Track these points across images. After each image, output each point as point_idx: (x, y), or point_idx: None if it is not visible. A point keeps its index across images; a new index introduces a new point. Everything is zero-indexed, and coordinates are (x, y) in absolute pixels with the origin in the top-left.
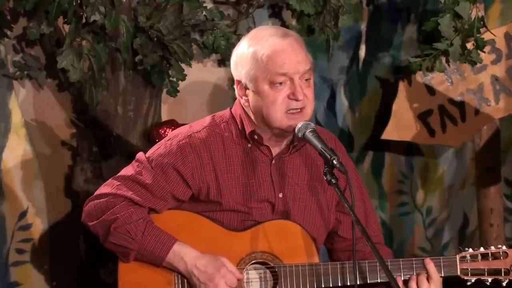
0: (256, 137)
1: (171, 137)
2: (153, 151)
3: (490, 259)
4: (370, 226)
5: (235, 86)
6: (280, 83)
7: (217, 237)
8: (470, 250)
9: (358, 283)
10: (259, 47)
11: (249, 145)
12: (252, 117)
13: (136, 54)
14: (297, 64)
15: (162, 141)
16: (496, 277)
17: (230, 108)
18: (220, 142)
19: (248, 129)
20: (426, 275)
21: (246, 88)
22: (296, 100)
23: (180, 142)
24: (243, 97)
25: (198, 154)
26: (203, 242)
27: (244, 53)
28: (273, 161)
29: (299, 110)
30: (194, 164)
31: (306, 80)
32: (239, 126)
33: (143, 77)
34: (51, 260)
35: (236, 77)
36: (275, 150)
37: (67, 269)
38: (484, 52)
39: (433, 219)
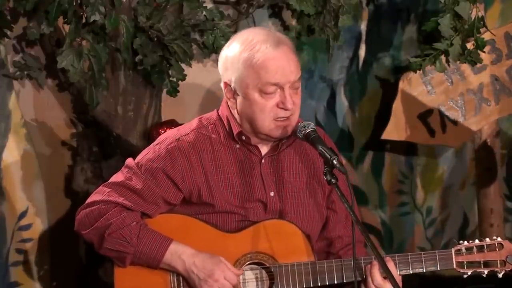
0: (244, 137)
1: (159, 142)
2: (142, 156)
3: (486, 251)
4: (348, 226)
5: (222, 86)
6: (271, 92)
7: (212, 239)
8: (465, 242)
9: (355, 280)
10: (252, 54)
11: (238, 145)
12: (238, 119)
13: (136, 54)
14: (289, 73)
15: (151, 145)
16: (492, 269)
17: (217, 110)
18: (209, 144)
19: (235, 130)
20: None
21: (234, 92)
22: (285, 109)
23: (169, 146)
24: (231, 99)
25: (187, 157)
26: (197, 244)
27: (235, 57)
28: (263, 160)
29: (286, 118)
30: (183, 167)
31: (295, 88)
32: (227, 128)
33: (143, 77)
34: (51, 260)
35: (224, 79)
36: (264, 149)
37: (67, 269)
38: (484, 52)
39: (433, 219)
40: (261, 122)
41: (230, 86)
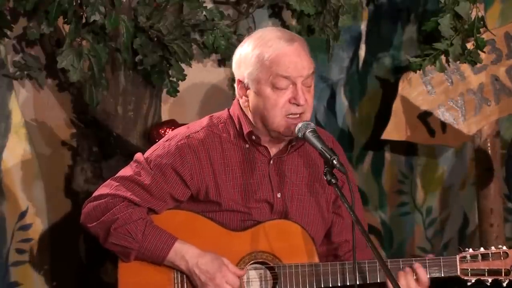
0: (254, 137)
1: (169, 138)
2: (151, 152)
3: (491, 259)
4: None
5: (235, 85)
6: (283, 87)
7: (217, 236)
8: (471, 250)
9: (358, 283)
10: (265, 49)
11: (247, 145)
12: (251, 117)
13: (136, 54)
14: (301, 68)
15: (160, 141)
16: (496, 277)
17: (228, 109)
18: (218, 143)
19: (246, 129)
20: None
21: (247, 88)
22: (297, 104)
23: (179, 143)
24: (243, 96)
25: (196, 154)
26: (202, 242)
27: (248, 53)
28: (271, 161)
29: (298, 115)
30: (192, 164)
31: (308, 86)
32: (237, 127)
33: (143, 77)
34: (51, 260)
35: (237, 76)
36: (273, 150)
37: (67, 269)
38: (484, 52)
39: (433, 219)
40: (272, 119)
41: (243, 82)
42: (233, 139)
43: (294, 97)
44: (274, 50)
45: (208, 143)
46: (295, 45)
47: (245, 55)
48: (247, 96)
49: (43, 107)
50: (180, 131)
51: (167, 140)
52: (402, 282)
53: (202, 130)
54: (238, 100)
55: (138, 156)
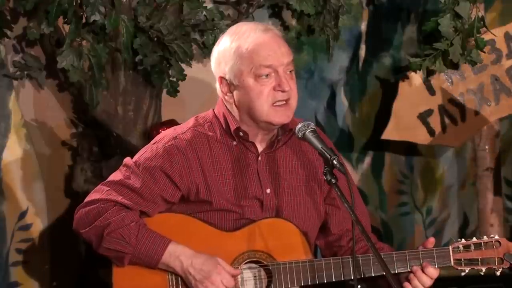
0: (241, 133)
1: (157, 141)
2: (140, 155)
3: (483, 248)
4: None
5: (217, 84)
6: (266, 76)
7: (210, 237)
8: (463, 240)
9: (354, 278)
10: (242, 41)
11: (235, 143)
12: (237, 113)
13: (136, 54)
14: (281, 56)
15: (148, 145)
16: (490, 266)
17: (213, 109)
18: (206, 142)
19: (233, 126)
20: (421, 269)
21: (230, 84)
22: (282, 91)
23: (166, 145)
24: (227, 94)
25: (185, 155)
26: (196, 243)
27: (226, 49)
28: (259, 157)
29: (284, 102)
30: (181, 165)
31: (290, 71)
32: (223, 125)
33: (143, 77)
34: (51, 260)
35: (218, 74)
36: (261, 146)
37: (67, 269)
38: (484, 52)
39: (433, 219)
40: (260, 108)
41: (225, 79)
42: (220, 137)
43: (278, 83)
44: (251, 41)
45: (196, 143)
46: (271, 33)
47: (224, 52)
48: (231, 92)
49: (43, 107)
50: (167, 133)
51: (154, 143)
52: (415, 282)
53: (188, 130)
54: (222, 99)
55: (127, 160)
